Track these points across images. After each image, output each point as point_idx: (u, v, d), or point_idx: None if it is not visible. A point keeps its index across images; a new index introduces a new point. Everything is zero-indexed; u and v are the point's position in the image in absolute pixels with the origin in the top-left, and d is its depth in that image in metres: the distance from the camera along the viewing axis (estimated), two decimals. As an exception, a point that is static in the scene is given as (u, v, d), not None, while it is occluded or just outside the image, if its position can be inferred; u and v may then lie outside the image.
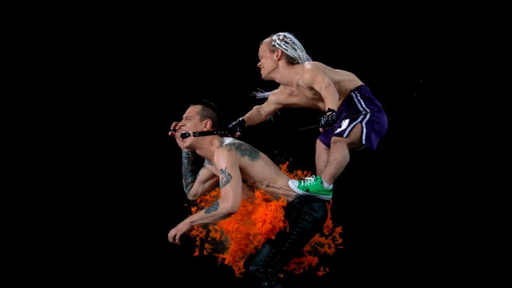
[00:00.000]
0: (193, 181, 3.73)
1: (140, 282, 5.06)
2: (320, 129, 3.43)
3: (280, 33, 3.67)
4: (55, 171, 5.22)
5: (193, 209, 3.64)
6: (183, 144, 3.58)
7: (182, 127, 3.57)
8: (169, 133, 3.65)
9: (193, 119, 3.54)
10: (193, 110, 3.57)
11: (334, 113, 3.32)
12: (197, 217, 3.38)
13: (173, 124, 3.65)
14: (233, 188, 3.31)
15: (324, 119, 3.31)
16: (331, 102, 3.36)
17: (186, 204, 3.69)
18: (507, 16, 5.09)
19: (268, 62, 3.64)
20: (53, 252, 5.13)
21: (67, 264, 5.10)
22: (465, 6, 5.13)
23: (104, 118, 5.28)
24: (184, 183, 3.75)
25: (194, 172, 3.73)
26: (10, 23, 5.19)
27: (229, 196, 3.31)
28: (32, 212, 5.16)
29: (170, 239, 3.40)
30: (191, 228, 3.44)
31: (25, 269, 5.06)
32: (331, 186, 3.49)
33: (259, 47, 3.71)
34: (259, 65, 3.70)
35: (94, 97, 5.29)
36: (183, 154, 3.70)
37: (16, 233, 5.11)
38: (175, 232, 3.39)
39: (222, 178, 3.35)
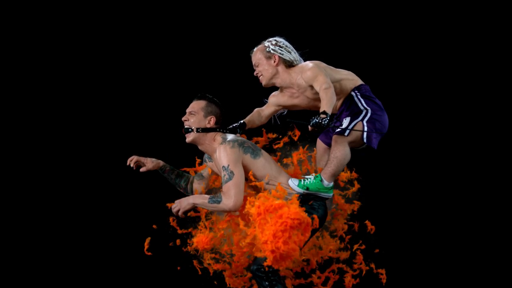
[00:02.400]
0: (186, 182, 3.73)
1: (139, 282, 5.06)
2: (309, 127, 3.43)
3: (271, 39, 3.66)
4: (54, 171, 5.22)
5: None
6: (186, 139, 3.55)
7: (185, 121, 3.55)
8: (134, 168, 3.63)
9: (197, 114, 3.53)
10: (197, 106, 3.56)
11: (326, 118, 3.31)
12: (200, 201, 3.42)
13: (129, 160, 3.61)
14: (235, 185, 3.32)
15: (315, 120, 3.31)
16: (327, 105, 3.36)
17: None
18: (507, 16, 5.12)
19: (266, 69, 3.63)
20: (51, 252, 5.12)
21: (65, 264, 5.09)
22: (465, 6, 5.17)
23: (105, 118, 5.28)
24: (181, 190, 3.75)
25: (181, 176, 3.73)
26: (10, 23, 5.21)
27: (231, 194, 3.32)
28: (30, 212, 5.16)
29: (173, 211, 3.46)
30: (192, 208, 3.47)
31: (22, 269, 5.05)
32: (331, 184, 3.50)
33: (251, 56, 3.69)
34: (256, 73, 3.67)
35: (95, 96, 5.30)
36: (159, 171, 3.70)
37: (13, 233, 5.11)
38: (178, 207, 3.45)
39: (224, 175, 3.35)
